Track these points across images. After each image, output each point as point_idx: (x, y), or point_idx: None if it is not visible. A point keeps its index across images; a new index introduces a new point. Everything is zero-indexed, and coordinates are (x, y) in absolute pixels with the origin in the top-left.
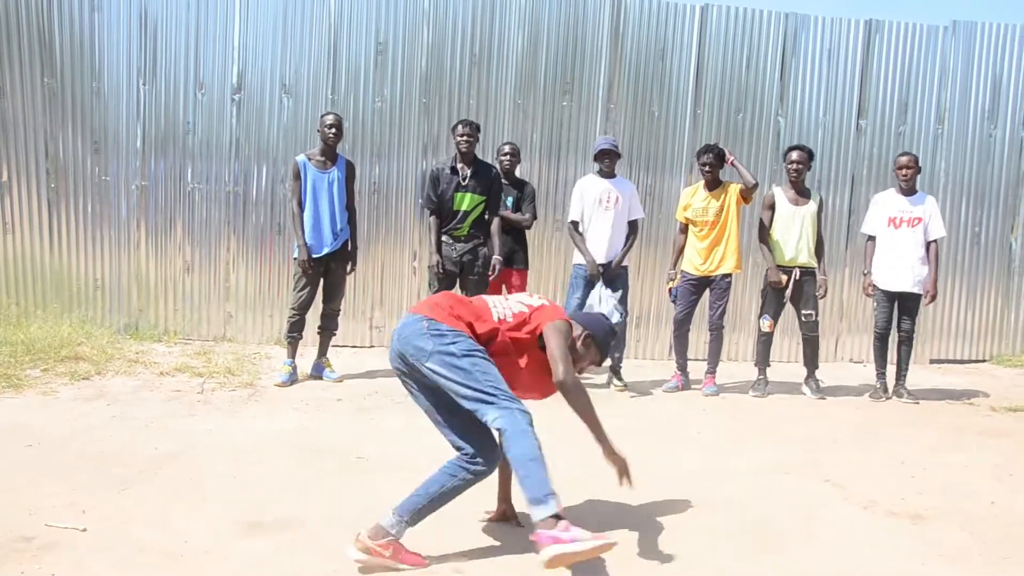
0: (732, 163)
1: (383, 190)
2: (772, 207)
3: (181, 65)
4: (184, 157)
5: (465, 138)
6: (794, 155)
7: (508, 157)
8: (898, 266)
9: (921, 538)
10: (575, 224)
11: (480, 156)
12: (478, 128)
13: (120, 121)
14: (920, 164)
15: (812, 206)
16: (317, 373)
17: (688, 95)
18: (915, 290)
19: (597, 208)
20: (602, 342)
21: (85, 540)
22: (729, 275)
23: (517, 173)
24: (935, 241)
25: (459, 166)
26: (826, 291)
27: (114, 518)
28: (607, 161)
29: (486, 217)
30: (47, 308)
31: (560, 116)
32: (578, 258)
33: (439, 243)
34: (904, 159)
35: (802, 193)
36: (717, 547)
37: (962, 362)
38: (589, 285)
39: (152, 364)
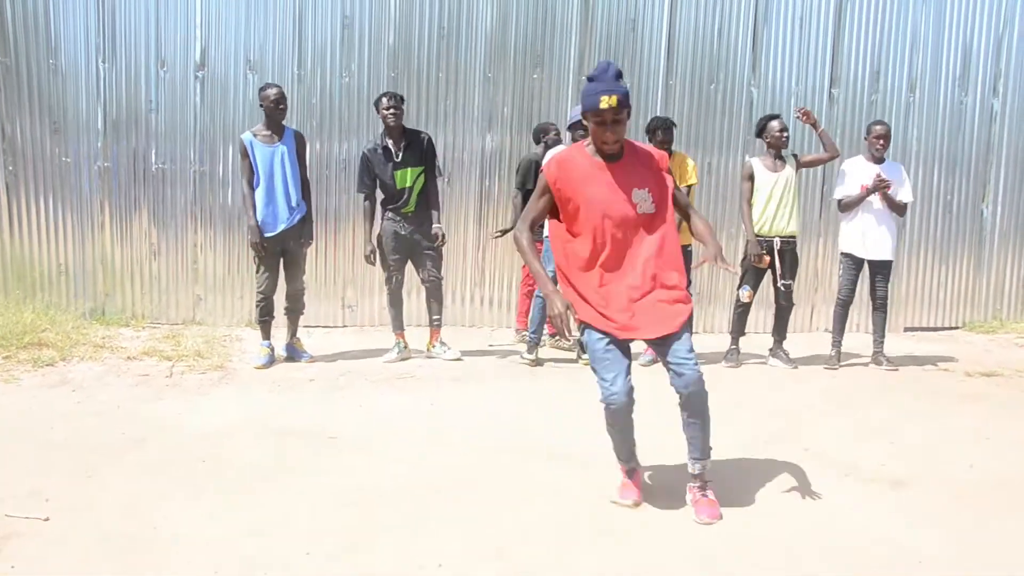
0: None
1: (352, 167)
2: (751, 178)
3: (142, 42)
4: (147, 137)
5: (392, 111)
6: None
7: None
8: (874, 233)
9: (902, 503)
10: None
11: (450, 130)
12: (402, 99)
13: (80, 100)
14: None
15: (789, 170)
16: (290, 355)
17: (660, 66)
18: (889, 257)
19: None
20: (581, 105)
21: (47, 530)
22: (688, 245)
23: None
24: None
25: (389, 143)
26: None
27: (79, 506)
28: (581, 132)
29: (428, 186)
30: (8, 295)
31: (531, 89)
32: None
33: (370, 231)
34: (881, 128)
35: (779, 158)
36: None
37: (936, 329)
38: None
39: (119, 349)
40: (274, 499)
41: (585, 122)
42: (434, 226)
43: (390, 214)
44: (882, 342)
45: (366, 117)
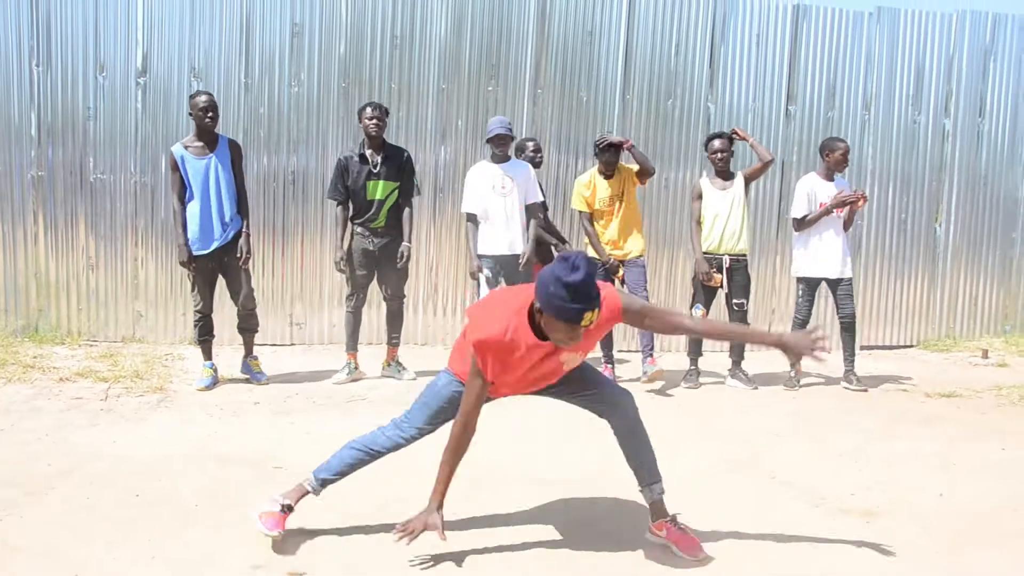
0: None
1: (301, 180)
2: (700, 197)
3: (79, 46)
4: (85, 145)
5: (375, 122)
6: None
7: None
8: (829, 252)
9: (875, 536)
10: (473, 216)
11: (403, 143)
12: (387, 111)
13: (11, 106)
14: None
15: (738, 188)
16: (247, 373)
17: (617, 80)
18: (847, 275)
19: (492, 195)
20: (552, 310)
21: None
22: (641, 256)
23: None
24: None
25: (368, 152)
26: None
27: None
28: (497, 152)
29: (400, 203)
30: None
31: (486, 101)
32: (483, 249)
33: (342, 237)
34: (846, 146)
35: (727, 177)
36: (668, 555)
37: (891, 347)
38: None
39: (51, 369)
40: (211, 539)
41: (538, 316)
42: (403, 244)
43: (360, 229)
44: (852, 361)
45: (315, 128)
